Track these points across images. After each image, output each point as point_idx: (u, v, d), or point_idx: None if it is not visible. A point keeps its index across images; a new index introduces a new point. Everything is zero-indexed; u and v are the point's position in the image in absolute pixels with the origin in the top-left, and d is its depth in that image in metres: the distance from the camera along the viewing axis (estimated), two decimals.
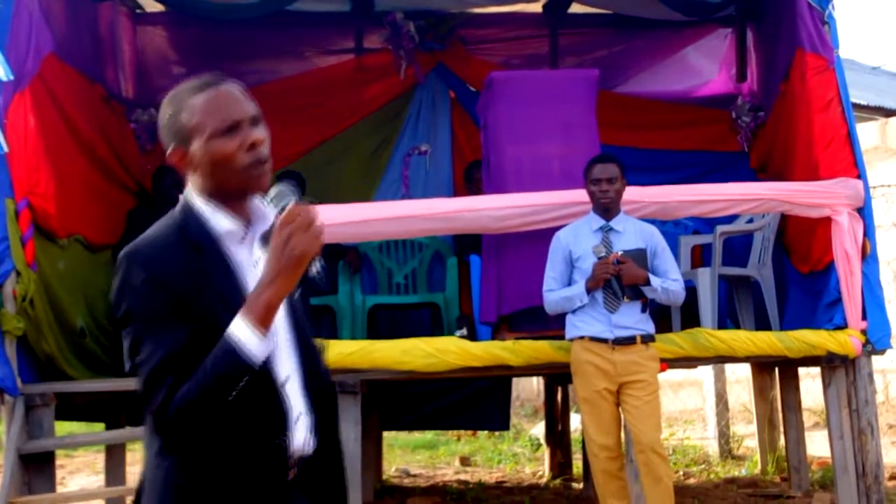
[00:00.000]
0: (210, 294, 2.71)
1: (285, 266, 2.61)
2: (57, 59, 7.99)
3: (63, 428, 9.61)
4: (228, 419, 2.66)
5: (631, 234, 6.82)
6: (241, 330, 2.61)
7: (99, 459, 11.10)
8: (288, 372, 2.82)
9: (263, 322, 2.62)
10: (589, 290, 6.63)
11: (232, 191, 2.82)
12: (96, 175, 8.66)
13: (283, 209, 2.69)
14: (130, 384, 7.44)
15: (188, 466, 2.69)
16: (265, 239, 2.82)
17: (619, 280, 6.61)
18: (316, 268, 2.73)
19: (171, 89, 2.88)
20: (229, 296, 2.72)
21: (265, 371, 2.68)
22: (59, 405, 7.20)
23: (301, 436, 2.82)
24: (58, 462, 8.20)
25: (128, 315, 2.72)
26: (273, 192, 2.78)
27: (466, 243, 8.93)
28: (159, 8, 9.91)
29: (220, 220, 2.81)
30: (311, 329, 2.97)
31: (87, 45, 8.90)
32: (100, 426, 9.25)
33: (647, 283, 6.61)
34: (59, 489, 8.77)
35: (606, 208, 6.82)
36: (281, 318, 2.78)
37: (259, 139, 2.80)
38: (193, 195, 2.85)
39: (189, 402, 2.60)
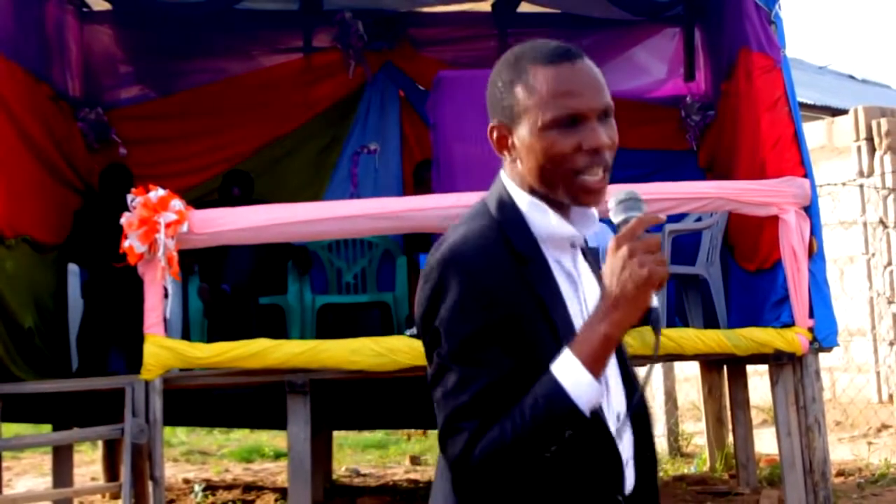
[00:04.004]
0: (536, 315, 2.23)
1: (630, 292, 2.09)
2: (2, 58, 7.91)
3: (10, 429, 9.50)
4: (550, 472, 2.19)
5: None
6: (570, 369, 2.12)
7: (46, 461, 10.99)
8: (618, 409, 2.36)
9: (598, 360, 2.12)
10: None
11: (557, 195, 2.31)
12: (43, 174, 8.56)
13: (625, 221, 2.20)
14: (78, 385, 7.46)
15: None
16: (585, 251, 2.42)
17: None
18: (654, 302, 2.13)
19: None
20: (556, 319, 2.22)
21: (597, 416, 2.21)
22: (5, 406, 7.14)
23: (630, 482, 2.35)
24: (4, 464, 8.12)
25: (438, 334, 2.27)
26: (621, 196, 2.26)
27: (416, 242, 8.92)
28: (106, 6, 9.85)
29: (547, 222, 2.32)
30: (627, 355, 2.49)
31: (34, 44, 8.80)
32: (47, 427, 9.18)
33: None
34: (6, 491, 8.69)
35: None
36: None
37: (604, 144, 2.28)
38: (512, 185, 2.36)
39: (499, 451, 2.12)
